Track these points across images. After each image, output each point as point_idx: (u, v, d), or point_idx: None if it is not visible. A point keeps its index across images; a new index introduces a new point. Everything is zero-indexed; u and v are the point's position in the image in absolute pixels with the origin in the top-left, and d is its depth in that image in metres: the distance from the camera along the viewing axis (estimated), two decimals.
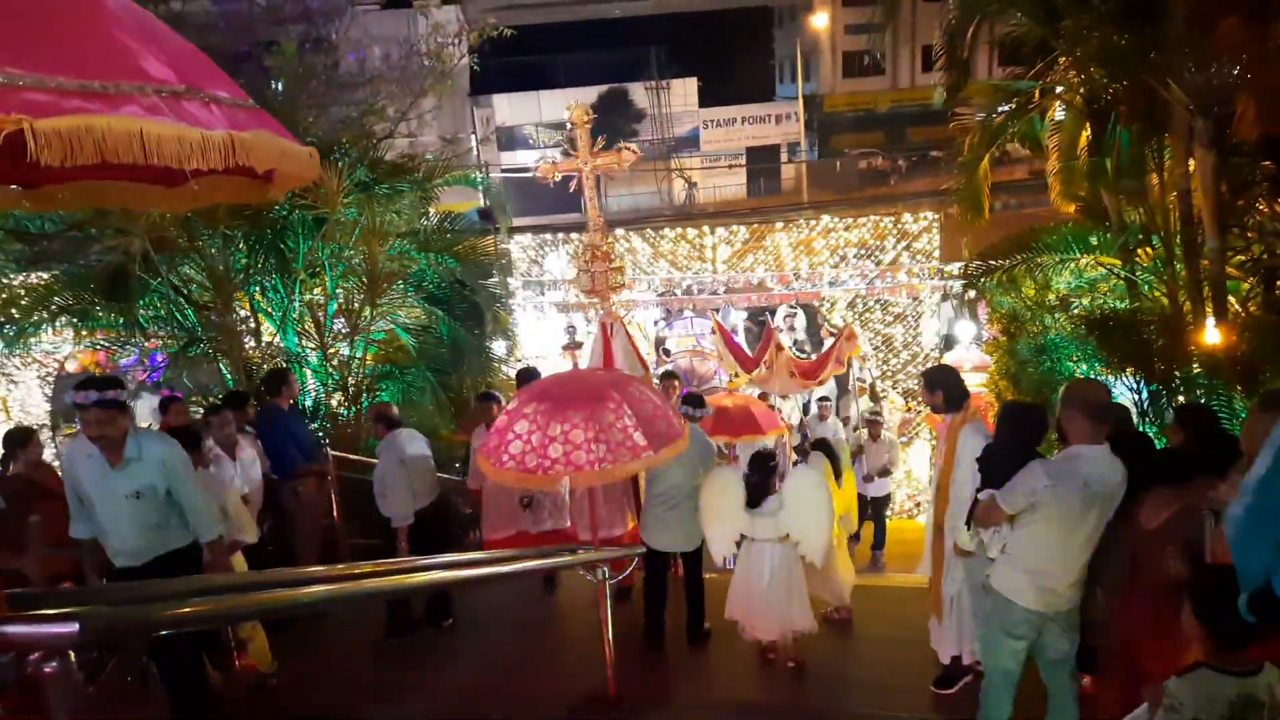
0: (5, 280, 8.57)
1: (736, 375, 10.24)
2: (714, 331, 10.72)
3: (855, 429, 11.01)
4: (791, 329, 14.11)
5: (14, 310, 8.25)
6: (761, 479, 5.44)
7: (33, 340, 8.73)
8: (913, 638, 5.23)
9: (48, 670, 1.60)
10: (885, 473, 9.95)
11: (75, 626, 1.54)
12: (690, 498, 5.63)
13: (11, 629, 1.57)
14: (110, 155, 1.15)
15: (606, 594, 4.84)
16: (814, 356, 11.90)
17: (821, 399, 10.88)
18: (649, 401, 4.91)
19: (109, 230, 7.39)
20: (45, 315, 8.24)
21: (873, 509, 9.95)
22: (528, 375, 6.59)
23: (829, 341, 13.76)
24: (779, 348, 9.42)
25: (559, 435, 4.50)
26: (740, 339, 13.44)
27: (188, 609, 1.74)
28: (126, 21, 1.32)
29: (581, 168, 6.53)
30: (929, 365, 13.59)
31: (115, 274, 7.70)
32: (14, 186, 1.99)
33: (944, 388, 4.86)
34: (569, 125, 6.54)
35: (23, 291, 8.55)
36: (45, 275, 8.56)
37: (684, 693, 5.29)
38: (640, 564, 5.68)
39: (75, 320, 8.54)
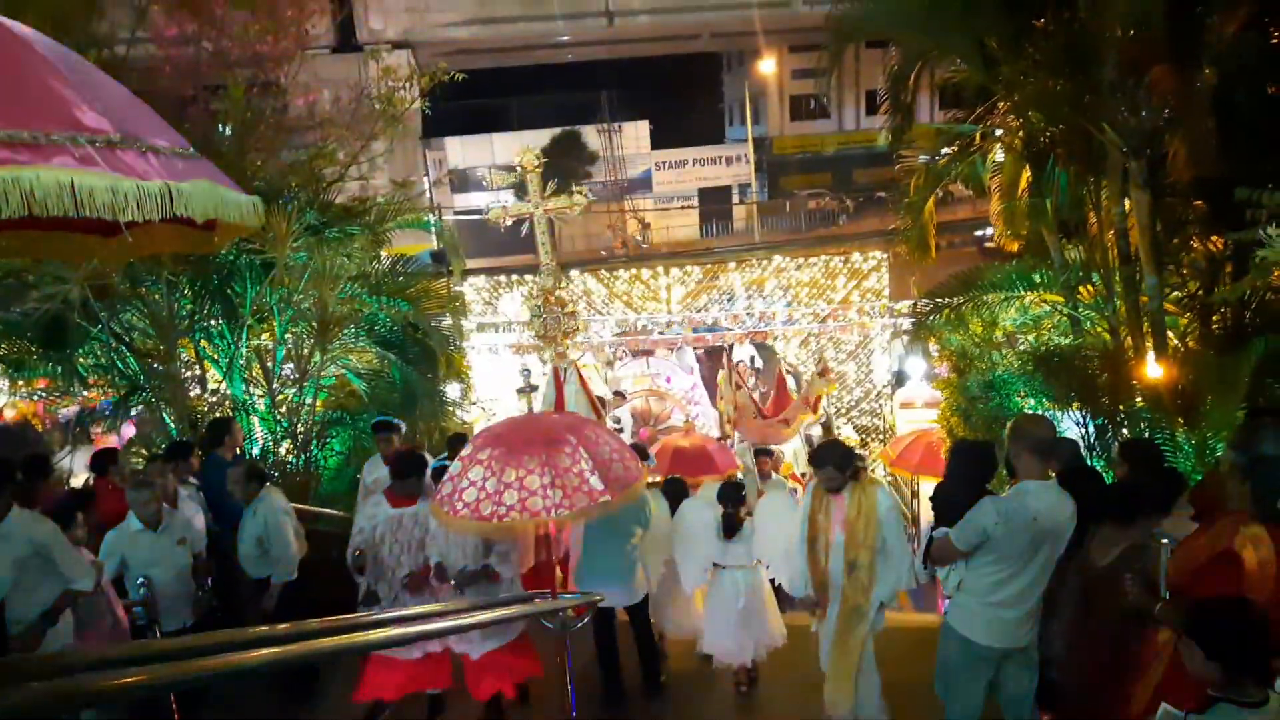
0: None
1: (698, 417, 10.17)
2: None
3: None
4: (754, 369, 14.02)
5: None
6: (735, 509, 5.65)
7: None
8: (898, 679, 5.13)
9: None
10: None
11: None
12: (628, 550, 5.56)
13: None
14: (38, 208, 1.10)
15: (567, 643, 4.76)
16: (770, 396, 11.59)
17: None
18: (605, 444, 4.86)
19: (46, 277, 7.19)
20: None
21: None
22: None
23: (790, 382, 13.71)
24: (737, 386, 9.34)
25: (514, 481, 4.41)
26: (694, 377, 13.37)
27: (125, 679, 1.62)
28: (61, 69, 1.27)
29: (533, 212, 6.52)
30: (877, 402, 13.77)
31: (52, 322, 7.46)
32: None
33: (851, 463, 4.83)
34: (520, 169, 6.54)
35: None
36: None
37: None
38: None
39: (10, 370, 8.26)
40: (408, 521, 5.11)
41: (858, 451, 9.18)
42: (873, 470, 12.99)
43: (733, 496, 5.71)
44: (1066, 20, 6.33)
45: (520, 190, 6.70)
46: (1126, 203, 6.61)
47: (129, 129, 1.28)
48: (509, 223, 6.78)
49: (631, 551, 5.56)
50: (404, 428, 7.13)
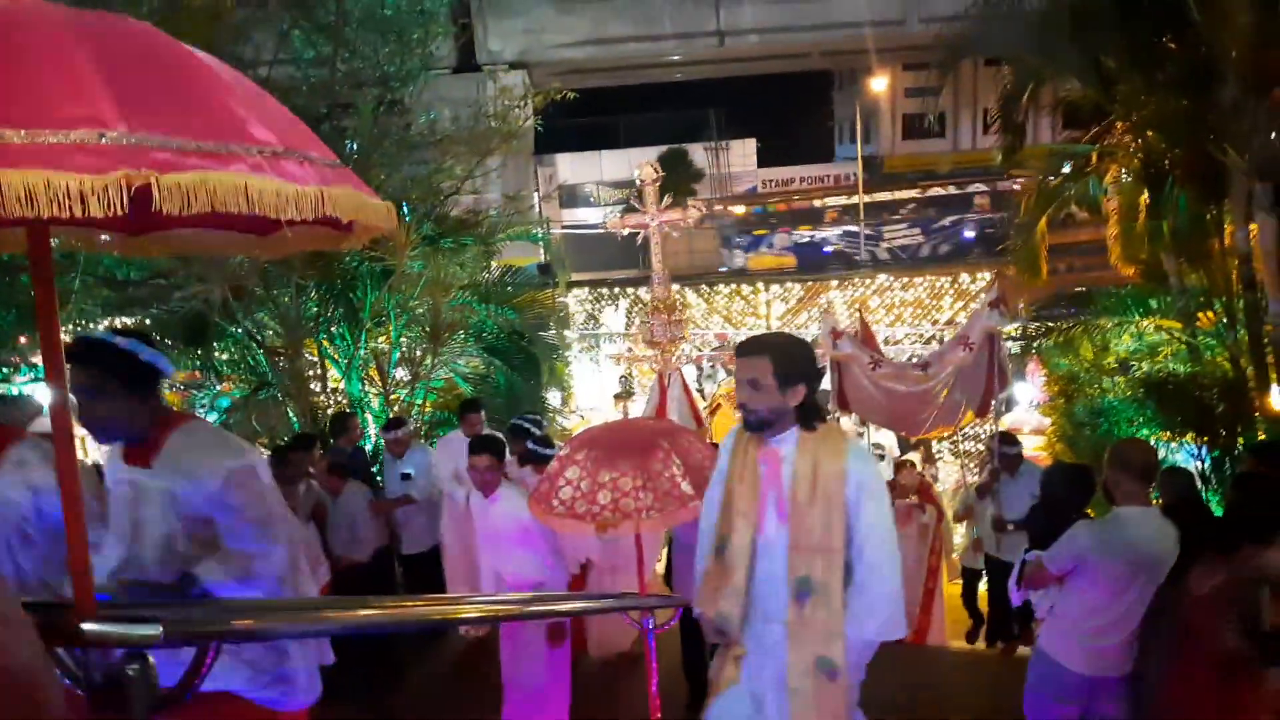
0: (93, 324, 9.07)
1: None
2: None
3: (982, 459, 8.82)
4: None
5: None
6: None
7: None
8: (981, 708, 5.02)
9: (130, 671, 1.75)
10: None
11: (158, 628, 1.68)
12: None
13: (98, 627, 1.69)
14: (219, 206, 1.36)
15: (652, 641, 4.87)
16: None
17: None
18: (697, 451, 4.98)
19: (190, 279, 7.82)
20: None
21: (998, 579, 6.60)
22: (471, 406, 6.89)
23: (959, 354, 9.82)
24: (835, 335, 7.19)
25: (608, 482, 4.59)
26: None
27: (265, 621, 1.88)
28: (237, 91, 1.54)
29: (649, 223, 6.78)
30: (982, 428, 13.36)
31: (194, 320, 8.12)
32: (105, 237, 2.22)
33: (808, 378, 2.76)
34: (639, 182, 6.83)
35: None
36: (129, 320, 9.04)
37: None
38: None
39: None
40: (127, 489, 2.68)
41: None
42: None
43: None
44: (1187, 38, 6.16)
45: (629, 206, 6.96)
46: (1251, 227, 6.37)
47: (289, 142, 1.53)
48: (625, 232, 7.07)
49: None
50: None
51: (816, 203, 29.46)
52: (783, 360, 2.67)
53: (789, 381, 2.67)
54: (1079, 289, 8.23)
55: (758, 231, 28.53)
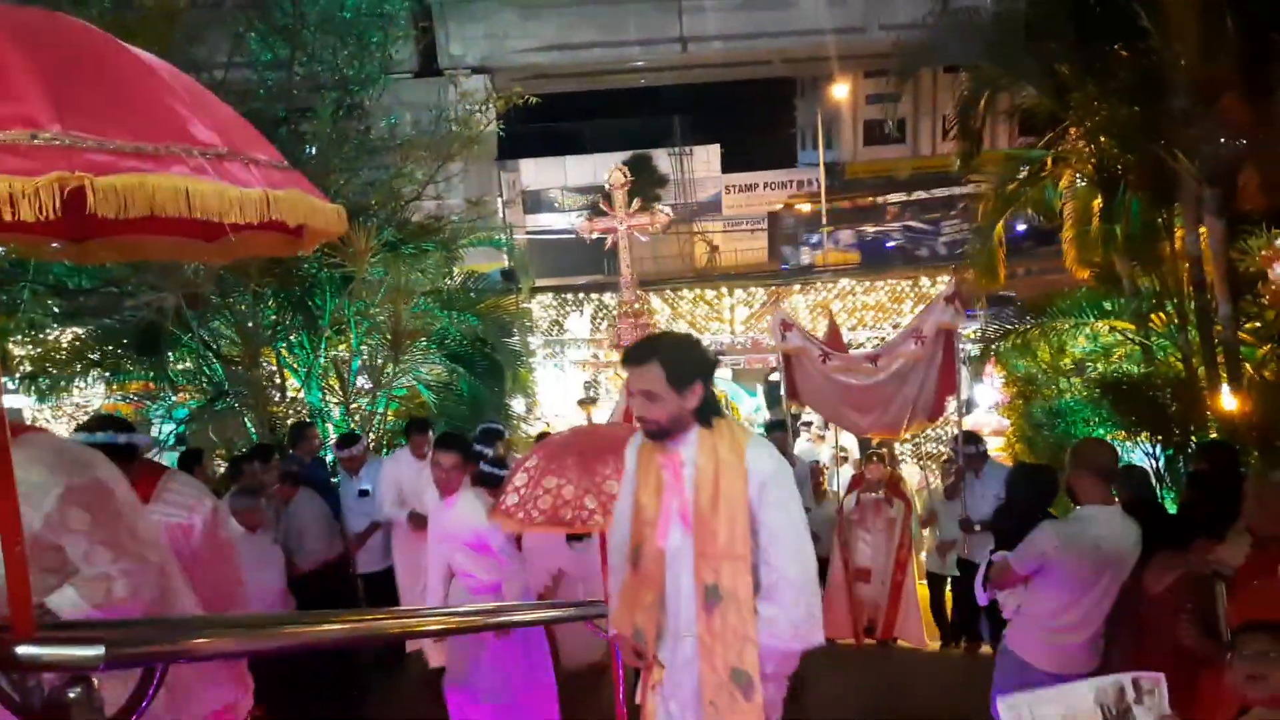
0: (42, 335, 8.84)
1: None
2: None
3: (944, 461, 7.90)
4: None
5: (49, 364, 8.50)
6: None
7: (64, 394, 8.96)
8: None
9: (71, 695, 1.66)
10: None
11: (101, 649, 1.60)
12: None
13: (35, 649, 1.60)
14: (159, 209, 1.30)
15: (618, 649, 4.83)
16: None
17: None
18: None
19: (144, 287, 7.64)
20: (79, 369, 8.47)
21: (966, 580, 6.05)
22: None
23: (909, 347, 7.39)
24: (785, 327, 6.95)
25: (593, 487, 4.52)
26: None
27: (218, 640, 1.80)
28: (178, 91, 1.48)
29: (618, 227, 6.78)
30: (944, 430, 13.49)
31: (148, 329, 7.94)
32: (56, 244, 2.13)
33: (701, 376, 2.59)
34: (607, 186, 6.83)
35: (59, 345, 8.81)
36: (80, 330, 8.82)
37: None
38: None
39: (107, 374, 8.77)
40: None
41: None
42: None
43: None
44: (1139, 48, 6.30)
45: (594, 211, 6.95)
46: (1200, 230, 6.51)
47: (234, 143, 1.48)
48: (593, 236, 7.05)
49: None
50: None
51: (879, 199, 29.97)
52: (674, 363, 2.53)
53: (684, 383, 2.53)
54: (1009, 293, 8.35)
55: (824, 229, 28.77)
